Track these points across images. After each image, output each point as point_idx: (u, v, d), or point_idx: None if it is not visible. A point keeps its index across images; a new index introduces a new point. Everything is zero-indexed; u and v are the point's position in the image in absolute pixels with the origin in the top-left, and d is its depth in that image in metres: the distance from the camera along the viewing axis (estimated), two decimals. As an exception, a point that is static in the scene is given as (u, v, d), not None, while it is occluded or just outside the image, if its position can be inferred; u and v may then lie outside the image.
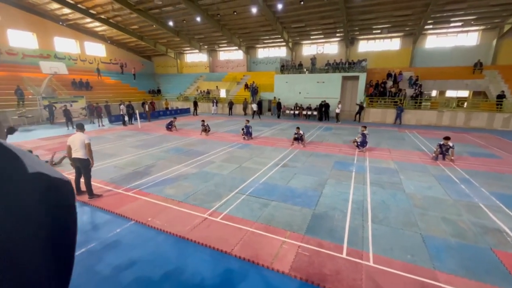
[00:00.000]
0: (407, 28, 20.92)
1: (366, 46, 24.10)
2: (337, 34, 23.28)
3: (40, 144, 10.33)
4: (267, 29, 23.15)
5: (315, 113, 19.76)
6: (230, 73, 29.69)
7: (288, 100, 21.59)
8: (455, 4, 16.34)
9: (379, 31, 21.61)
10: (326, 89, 20.13)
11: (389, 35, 22.40)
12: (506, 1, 15.33)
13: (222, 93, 26.73)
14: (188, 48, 31.25)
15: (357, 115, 18.51)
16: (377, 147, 10.28)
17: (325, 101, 18.86)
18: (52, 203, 0.39)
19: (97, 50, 28.31)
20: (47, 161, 7.22)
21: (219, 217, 4.58)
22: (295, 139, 10.39)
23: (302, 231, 4.15)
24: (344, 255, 3.58)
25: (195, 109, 22.69)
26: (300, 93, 21.39)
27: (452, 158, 8.18)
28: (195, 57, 33.27)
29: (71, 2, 20.68)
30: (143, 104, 18.61)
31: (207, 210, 4.83)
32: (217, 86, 26.87)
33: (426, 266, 3.38)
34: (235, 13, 20.26)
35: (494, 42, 19.56)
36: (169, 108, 23.92)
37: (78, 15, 22.37)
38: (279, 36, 24.06)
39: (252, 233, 4.10)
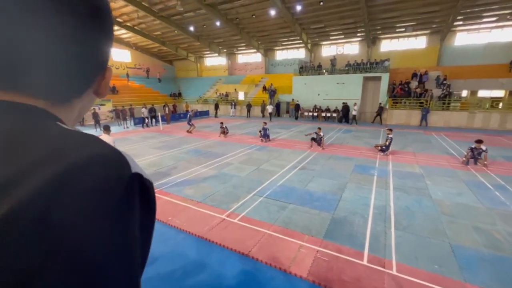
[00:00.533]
0: (434, 25, 19.87)
1: (388, 45, 23.22)
2: (358, 34, 22.66)
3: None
4: (285, 31, 23.10)
5: (334, 115, 19.33)
6: (248, 76, 29.95)
7: (307, 102, 21.32)
8: (488, -2, 15.30)
9: (403, 29, 20.73)
10: (346, 90, 19.64)
11: (414, 33, 21.39)
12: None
13: (241, 96, 27.02)
14: (208, 52, 31.99)
15: (377, 117, 17.91)
16: (401, 150, 9.84)
17: (346, 102, 18.38)
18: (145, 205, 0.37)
19: (123, 56, 29.86)
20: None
21: (237, 219, 4.61)
22: (313, 139, 10.20)
23: (320, 236, 4.07)
24: (365, 262, 3.45)
25: (216, 111, 23.12)
26: (319, 94, 21.06)
27: (485, 162, 7.62)
28: (214, 61, 33.98)
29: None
30: (164, 106, 19.31)
31: (225, 211, 4.90)
32: (235, 89, 27.21)
33: (455, 278, 3.16)
34: (253, 16, 20.47)
35: (534, 37, 18.02)
36: (189, 111, 24.59)
37: (106, 23, 23.77)
38: (298, 38, 23.90)
39: (270, 235, 4.09)
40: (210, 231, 4.23)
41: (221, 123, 13.11)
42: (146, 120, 16.77)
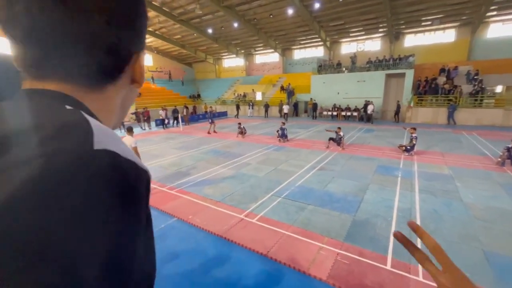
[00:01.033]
0: (464, 17, 18.61)
1: (413, 40, 22.11)
2: (380, 30, 21.82)
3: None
4: (303, 30, 22.82)
5: (355, 114, 18.74)
6: (266, 76, 29.95)
7: (326, 101, 20.89)
8: (527, -15, 14.06)
9: (429, 22, 19.63)
10: (368, 88, 18.99)
11: (442, 26, 20.18)
12: None
13: (258, 96, 27.09)
14: (226, 54, 32.43)
15: (396, 116, 17.22)
16: (427, 150, 9.33)
17: (368, 101, 17.76)
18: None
19: (145, 60, 31.07)
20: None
21: (255, 219, 4.63)
22: (332, 139, 9.95)
23: (341, 238, 3.97)
24: (388, 267, 3.32)
25: (238, 112, 23.26)
26: (338, 93, 20.56)
27: (524, 163, 7.01)
28: (232, 62, 34.37)
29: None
30: (184, 108, 19.84)
31: (244, 211, 4.93)
32: (253, 89, 27.32)
33: (489, 287, 2.94)
34: (271, 16, 20.43)
35: None
36: (208, 112, 25.10)
37: (130, 29, 24.93)
38: (316, 36, 23.50)
39: (288, 236, 4.06)
40: (229, 230, 4.28)
41: (239, 123, 13.23)
42: (166, 121, 17.25)
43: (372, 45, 23.99)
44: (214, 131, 14.48)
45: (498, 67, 17.51)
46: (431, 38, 21.43)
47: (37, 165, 0.25)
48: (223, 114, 24.67)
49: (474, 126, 14.83)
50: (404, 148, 8.77)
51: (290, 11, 18.87)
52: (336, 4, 17.89)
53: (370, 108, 17.37)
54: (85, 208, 0.26)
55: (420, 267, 3.28)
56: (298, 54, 28.75)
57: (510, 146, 7.15)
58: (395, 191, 5.68)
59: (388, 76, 18.48)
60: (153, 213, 5.03)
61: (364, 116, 18.13)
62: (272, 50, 28.17)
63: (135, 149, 5.53)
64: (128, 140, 5.57)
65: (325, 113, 20.66)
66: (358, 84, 19.51)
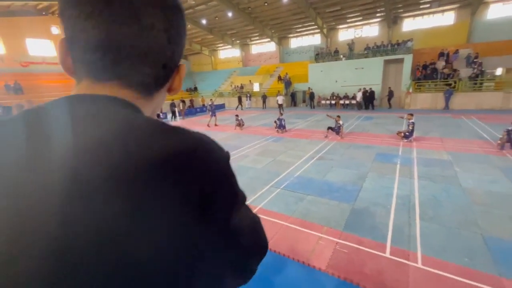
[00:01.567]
0: (464, -2, 18.17)
1: (412, 24, 21.67)
2: (378, 14, 21.36)
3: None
4: (299, 17, 22.32)
5: (353, 102, 18.60)
6: (263, 66, 29.55)
7: (324, 90, 20.67)
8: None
9: (427, 5, 19.18)
10: (366, 75, 18.75)
11: (440, 8, 19.74)
12: None
13: (256, 87, 26.80)
14: (221, 45, 31.88)
15: (389, 102, 17.28)
16: (427, 136, 9.27)
17: (371, 88, 17.64)
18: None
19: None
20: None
21: (254, 211, 4.55)
22: (331, 128, 9.87)
23: (340, 227, 3.96)
24: (387, 255, 3.32)
25: (240, 104, 22.69)
26: (336, 81, 20.31)
27: (524, 146, 6.97)
28: (228, 53, 33.84)
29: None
30: (181, 102, 19.61)
31: (243, 203, 4.91)
32: (250, 80, 26.99)
33: (489, 272, 2.95)
34: (266, 4, 19.95)
35: None
36: (205, 105, 24.88)
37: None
38: (313, 23, 23.02)
39: (287, 227, 4.06)
40: (228, 223, 4.27)
41: (236, 115, 13.11)
42: (162, 116, 17.03)
43: (370, 30, 23.53)
44: (216, 124, 14.36)
45: (498, 49, 17.21)
46: (430, 22, 20.99)
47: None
48: (221, 107, 24.47)
49: (474, 110, 14.72)
50: (402, 134, 8.71)
51: (285, -2, 18.42)
52: (332, -11, 17.44)
53: (358, 96, 17.68)
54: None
55: (419, 253, 3.28)
56: (295, 42, 28.26)
57: (510, 128, 7.09)
58: (394, 179, 5.66)
59: (387, 62, 18.20)
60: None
61: (362, 103, 18.05)
62: (268, 39, 27.67)
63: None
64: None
65: (323, 102, 20.48)
66: (356, 71, 19.25)
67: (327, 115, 11.32)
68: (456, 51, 17.79)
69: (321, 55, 22.06)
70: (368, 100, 17.58)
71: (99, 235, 0.26)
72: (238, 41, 30.42)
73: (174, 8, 0.42)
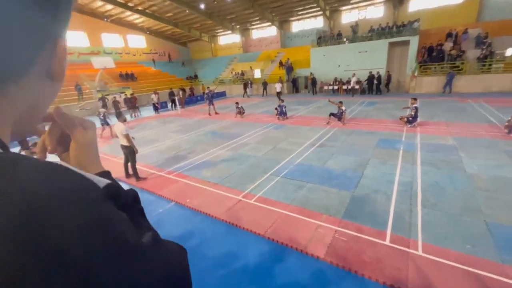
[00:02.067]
0: (475, -26, 17.16)
1: (418, 3, 20.68)
2: (383, -6, 20.39)
3: (97, 133, 11.63)
4: (301, -1, 21.44)
5: (356, 87, 18.15)
6: (264, 52, 28.84)
7: (327, 75, 20.16)
8: None
9: (436, -18, 18.20)
10: (370, 59, 18.17)
11: (450, -15, 18.72)
12: None
13: (257, 74, 26.25)
14: (221, 30, 31.03)
15: (387, 86, 17.30)
16: (431, 121, 9.04)
17: (378, 72, 17.16)
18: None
19: (138, 42, 30.01)
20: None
21: (253, 199, 4.58)
22: (333, 114, 9.66)
23: (339, 215, 3.90)
24: (387, 242, 3.27)
25: (245, 91, 22.08)
26: (339, 66, 19.75)
27: (532, 129, 6.74)
28: (228, 39, 33.00)
29: (112, -3, 21.95)
30: (181, 91, 19.28)
31: (241, 192, 4.87)
32: (251, 67, 26.43)
33: (491, 259, 2.88)
34: (265, -15, 19.12)
35: None
36: (205, 93, 24.53)
37: (119, 9, 23.76)
38: (315, 5, 22.15)
39: (286, 216, 4.01)
40: (226, 212, 4.24)
41: (237, 103, 12.90)
42: (159, 106, 16.66)
43: (375, 11, 22.58)
44: (216, 113, 14.19)
45: (509, 28, 16.38)
46: (437, 0, 20.00)
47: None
48: (222, 95, 24.13)
49: (482, 93, 14.26)
50: (406, 119, 8.49)
51: (285, -21, 17.60)
52: (335, -32, 16.58)
53: (353, 80, 17.54)
54: None
55: (419, 241, 3.22)
56: (297, 26, 27.36)
57: (518, 112, 6.84)
58: (396, 165, 5.54)
59: (392, 44, 17.56)
60: (152, 198, 5.02)
61: (366, 88, 17.64)
62: (269, 23, 26.82)
63: (127, 136, 5.39)
64: (119, 127, 5.41)
65: (325, 87, 20.03)
66: (359, 55, 18.65)
67: (329, 101, 11.07)
68: (465, 31, 17.01)
69: (323, 38, 21.31)
70: (376, 84, 17.11)
71: None
72: (238, 26, 29.55)
73: None
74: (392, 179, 4.91)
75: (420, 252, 3.07)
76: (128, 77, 24.24)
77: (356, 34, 19.66)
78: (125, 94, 18.69)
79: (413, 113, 8.27)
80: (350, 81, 17.89)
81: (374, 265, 2.91)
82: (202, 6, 22.99)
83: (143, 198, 5.02)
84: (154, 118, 15.03)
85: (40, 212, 0.22)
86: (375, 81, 16.95)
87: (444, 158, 5.70)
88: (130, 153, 5.54)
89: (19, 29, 0.27)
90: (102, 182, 0.32)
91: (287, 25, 27.66)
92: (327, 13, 23.59)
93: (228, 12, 25.13)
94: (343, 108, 9.50)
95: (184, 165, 6.60)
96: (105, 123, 10.74)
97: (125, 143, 5.44)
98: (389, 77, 17.14)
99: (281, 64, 24.23)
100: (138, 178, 5.71)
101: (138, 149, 5.83)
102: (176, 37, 33.37)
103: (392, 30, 17.96)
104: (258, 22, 27.86)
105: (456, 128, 7.94)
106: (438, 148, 6.33)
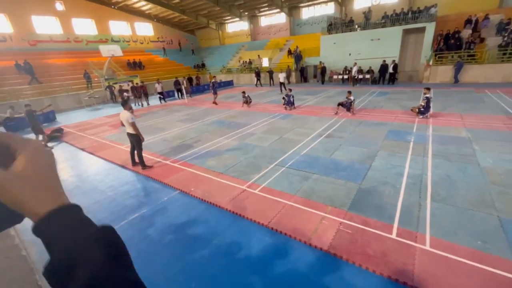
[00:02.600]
0: (500, -46, 15.98)
1: (437, -13, 19.48)
2: (399, -23, 19.32)
3: (105, 121, 11.77)
4: (311, -17, 20.57)
5: (367, 76, 17.60)
6: (272, 40, 28.16)
7: (337, 64, 19.58)
8: None
9: (457, -36, 17.07)
10: (382, 47, 17.47)
11: (472, -33, 17.54)
12: None
13: (265, 62, 25.72)
14: (229, 17, 30.36)
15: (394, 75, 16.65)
16: (445, 112, 8.69)
17: (394, 60, 16.62)
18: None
19: (146, 30, 29.76)
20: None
21: (258, 189, 4.54)
22: (341, 104, 9.41)
23: (345, 207, 3.83)
24: (393, 236, 3.19)
25: (258, 79, 21.22)
26: (350, 54, 19.09)
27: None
28: (236, 26, 32.31)
29: (119, -17, 21.62)
30: (188, 79, 19.15)
31: (246, 182, 4.85)
32: (259, 55, 25.91)
33: (503, 256, 2.77)
34: (275, -31, 18.39)
35: None
36: (210, 82, 24.31)
37: (126, -4, 23.46)
38: (326, -10, 21.22)
39: (291, 206, 3.97)
40: (230, 201, 4.23)
41: (243, 92, 12.72)
42: (164, 95, 16.53)
43: (389, -4, 21.46)
44: (214, 102, 14.00)
45: (534, 13, 15.36)
46: (458, -16, 18.81)
47: None
48: (229, 84, 23.87)
49: (501, 83, 13.57)
50: (417, 110, 8.19)
51: (296, -38, 16.86)
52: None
53: (354, 70, 17.13)
54: None
55: (428, 235, 3.13)
56: (307, 13, 26.45)
57: (539, 103, 6.47)
58: (406, 157, 5.38)
59: (406, 32, 16.78)
60: (157, 186, 5.06)
61: (377, 78, 17.09)
62: (278, 10, 26.01)
63: (133, 124, 5.38)
64: (124, 115, 5.40)
65: (335, 77, 19.49)
66: (371, 43, 17.94)
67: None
68: (486, 17, 16.04)
69: (334, 25, 20.53)
70: (391, 73, 16.51)
71: None
72: (246, 13, 28.81)
73: None
74: (401, 172, 4.77)
75: (427, 246, 2.98)
76: (136, 66, 24.22)
77: (369, 20, 18.84)
78: (133, 83, 18.72)
79: (424, 103, 7.95)
80: (351, 69, 17.53)
81: (379, 259, 2.86)
82: (210, -8, 22.43)
83: (149, 186, 5.08)
84: (160, 107, 15.05)
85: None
86: (390, 70, 16.34)
87: (457, 151, 5.48)
88: (136, 141, 5.56)
89: None
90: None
91: (297, 11, 26.78)
92: (339, -2, 22.64)
93: (236, -2, 24.48)
94: (352, 98, 9.24)
95: (189, 154, 6.60)
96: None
97: (131, 131, 5.45)
98: (395, 66, 16.42)
99: (289, 52, 23.63)
100: (144, 166, 5.76)
101: (145, 137, 5.84)
102: (184, 25, 32.90)
103: (407, 16, 17.09)
104: (267, 8, 27.07)
105: (471, 119, 7.62)
106: (451, 141, 6.10)
